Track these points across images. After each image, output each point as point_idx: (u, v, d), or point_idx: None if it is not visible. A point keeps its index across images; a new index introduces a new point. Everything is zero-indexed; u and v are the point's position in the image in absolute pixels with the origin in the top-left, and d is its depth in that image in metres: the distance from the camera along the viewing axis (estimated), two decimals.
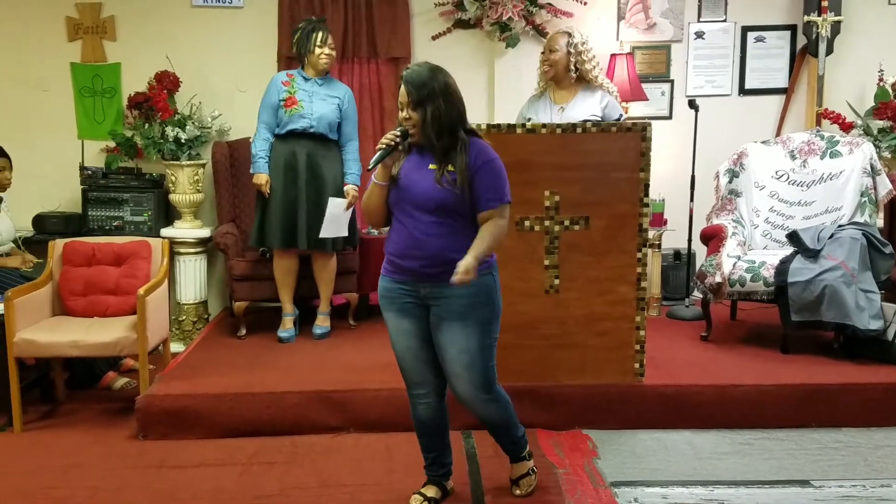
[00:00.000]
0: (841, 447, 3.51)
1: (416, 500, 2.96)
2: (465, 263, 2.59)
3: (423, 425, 2.94)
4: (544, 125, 3.61)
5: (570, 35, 4.24)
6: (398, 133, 2.72)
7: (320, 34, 4.41)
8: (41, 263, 4.29)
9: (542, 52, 4.28)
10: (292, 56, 4.88)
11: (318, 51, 4.41)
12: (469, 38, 5.35)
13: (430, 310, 2.79)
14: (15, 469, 3.35)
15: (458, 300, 2.73)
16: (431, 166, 2.71)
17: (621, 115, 4.23)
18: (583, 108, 4.21)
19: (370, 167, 2.73)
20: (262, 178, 4.42)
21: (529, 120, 4.20)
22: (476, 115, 2.88)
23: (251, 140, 4.53)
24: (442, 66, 2.76)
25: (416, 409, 2.92)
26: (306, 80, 4.49)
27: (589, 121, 3.94)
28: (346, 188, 4.48)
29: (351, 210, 4.48)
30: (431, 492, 2.98)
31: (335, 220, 4.39)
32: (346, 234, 4.50)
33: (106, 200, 5.05)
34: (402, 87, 2.70)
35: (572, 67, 4.23)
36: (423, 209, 2.70)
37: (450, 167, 2.68)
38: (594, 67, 4.27)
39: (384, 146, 2.71)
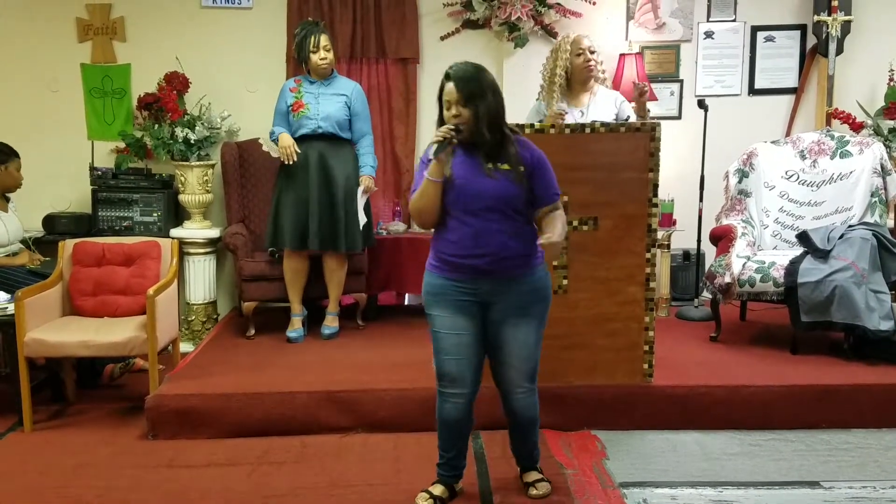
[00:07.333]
0: (851, 448, 3.50)
1: (423, 497, 2.95)
2: (554, 237, 2.64)
3: (448, 424, 2.92)
4: (552, 125, 3.61)
5: (587, 38, 4.25)
6: (451, 127, 2.72)
7: (313, 38, 4.41)
8: (49, 261, 4.31)
9: (579, 55, 4.13)
10: None
11: (313, 56, 4.42)
12: (477, 38, 5.35)
13: (488, 308, 2.81)
14: (26, 468, 3.37)
15: (518, 296, 2.77)
16: (490, 164, 2.72)
17: (629, 117, 4.21)
18: (604, 109, 4.18)
19: (434, 155, 2.71)
20: (285, 138, 4.39)
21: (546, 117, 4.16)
22: None
23: (262, 146, 4.52)
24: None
25: (443, 406, 2.90)
26: (312, 83, 4.50)
27: (597, 121, 3.92)
28: (361, 178, 4.48)
29: (365, 202, 4.47)
30: (438, 490, 2.97)
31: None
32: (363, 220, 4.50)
33: (116, 201, 5.06)
34: (450, 85, 2.71)
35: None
36: (487, 207, 2.71)
37: (501, 165, 2.69)
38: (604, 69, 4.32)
39: (441, 138, 2.71)
